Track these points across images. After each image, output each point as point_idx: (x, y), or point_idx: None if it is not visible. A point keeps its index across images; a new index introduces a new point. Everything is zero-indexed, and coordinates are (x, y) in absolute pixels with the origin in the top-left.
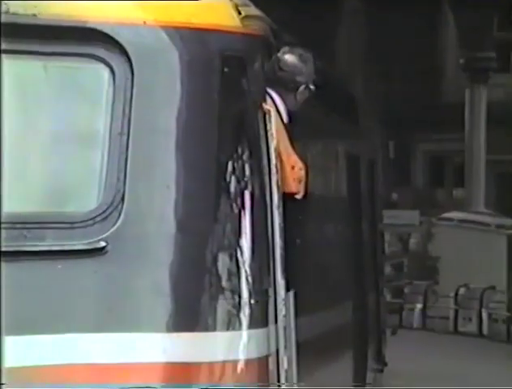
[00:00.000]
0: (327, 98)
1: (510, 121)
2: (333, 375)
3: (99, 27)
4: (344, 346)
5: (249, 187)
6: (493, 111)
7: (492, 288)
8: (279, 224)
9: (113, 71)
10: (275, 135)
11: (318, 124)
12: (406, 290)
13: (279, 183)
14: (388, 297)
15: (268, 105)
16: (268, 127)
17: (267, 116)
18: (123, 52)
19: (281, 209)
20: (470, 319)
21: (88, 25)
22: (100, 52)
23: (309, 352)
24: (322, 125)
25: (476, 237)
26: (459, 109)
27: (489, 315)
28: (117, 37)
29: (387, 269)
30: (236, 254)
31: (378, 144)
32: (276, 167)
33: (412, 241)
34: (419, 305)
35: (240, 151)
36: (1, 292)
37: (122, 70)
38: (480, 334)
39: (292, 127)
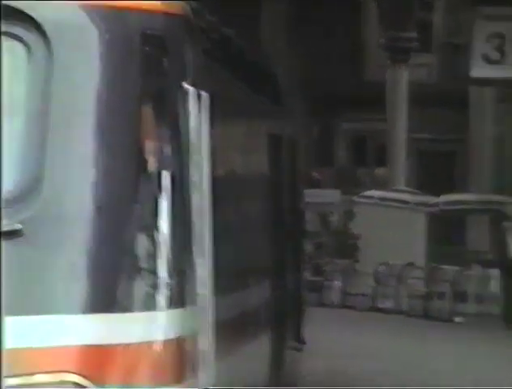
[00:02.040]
0: (249, 77)
1: (431, 101)
2: (251, 354)
3: (15, 5)
4: (263, 325)
5: (169, 167)
6: (415, 91)
7: (411, 264)
8: (199, 204)
9: (30, 50)
10: (195, 115)
11: (239, 105)
12: (326, 268)
13: (201, 163)
14: (308, 276)
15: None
16: (189, 107)
17: (187, 95)
18: (41, 30)
19: (203, 189)
20: (389, 296)
21: (4, 2)
22: (17, 30)
23: (228, 331)
24: (243, 105)
25: (396, 215)
26: (381, 89)
27: (408, 291)
28: (34, 15)
29: (308, 247)
30: (155, 234)
31: (300, 123)
32: (197, 147)
33: (333, 220)
34: (339, 283)
35: (160, 130)
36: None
37: (41, 48)
38: (399, 310)
39: (214, 107)
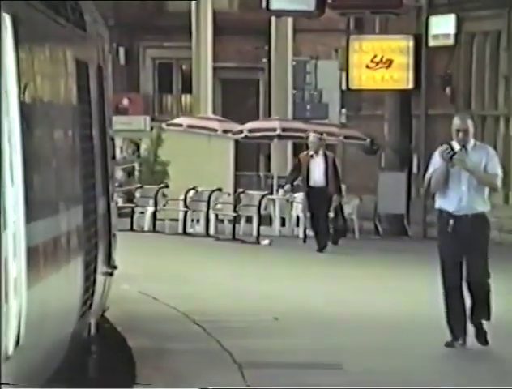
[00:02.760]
0: (52, 2)
1: (234, 30)
2: (63, 280)
3: None
4: (74, 251)
5: None
6: (219, 20)
7: (220, 190)
8: (8, 131)
9: None
10: None
11: (43, 29)
12: (137, 194)
13: (7, 88)
14: (120, 202)
15: None
16: None
17: None
18: None
19: (12, 115)
20: (198, 221)
21: None
22: None
23: (40, 258)
24: (48, 30)
25: (204, 142)
26: (187, 17)
27: (216, 216)
28: None
29: (119, 174)
30: None
31: (107, 50)
32: (2, 71)
33: (143, 147)
34: (150, 209)
35: None
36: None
37: None
38: (207, 234)
39: (16, 32)
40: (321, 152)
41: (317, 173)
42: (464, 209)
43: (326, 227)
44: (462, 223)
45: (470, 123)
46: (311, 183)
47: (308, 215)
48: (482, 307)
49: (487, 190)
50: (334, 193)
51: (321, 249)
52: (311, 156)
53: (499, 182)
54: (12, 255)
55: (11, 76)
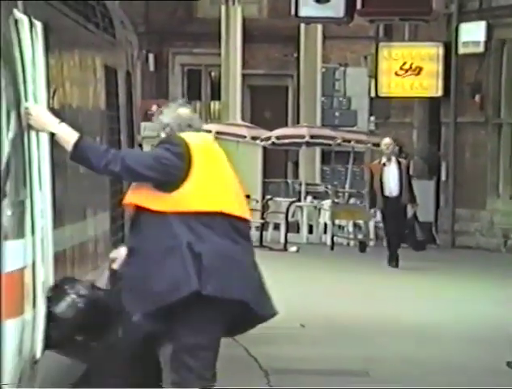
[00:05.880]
0: (82, 9)
1: (263, 37)
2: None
3: None
4: (102, 255)
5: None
6: (248, 26)
7: (248, 196)
8: (37, 137)
9: None
10: (28, 44)
11: (73, 36)
12: None
13: (37, 94)
14: None
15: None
16: (21, 35)
17: (20, 24)
18: None
19: None
20: None
21: None
22: None
23: (68, 262)
24: (77, 37)
25: (233, 149)
26: (216, 24)
27: None
28: None
29: None
30: None
31: (136, 56)
32: (32, 77)
33: None
34: None
35: None
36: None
37: None
38: None
39: (47, 38)
40: (393, 159)
41: (392, 181)
42: None
43: (401, 240)
44: None
45: None
46: (386, 193)
47: (383, 226)
48: None
49: None
50: (408, 202)
51: (395, 263)
52: (384, 165)
53: None
54: (40, 260)
55: (41, 82)
